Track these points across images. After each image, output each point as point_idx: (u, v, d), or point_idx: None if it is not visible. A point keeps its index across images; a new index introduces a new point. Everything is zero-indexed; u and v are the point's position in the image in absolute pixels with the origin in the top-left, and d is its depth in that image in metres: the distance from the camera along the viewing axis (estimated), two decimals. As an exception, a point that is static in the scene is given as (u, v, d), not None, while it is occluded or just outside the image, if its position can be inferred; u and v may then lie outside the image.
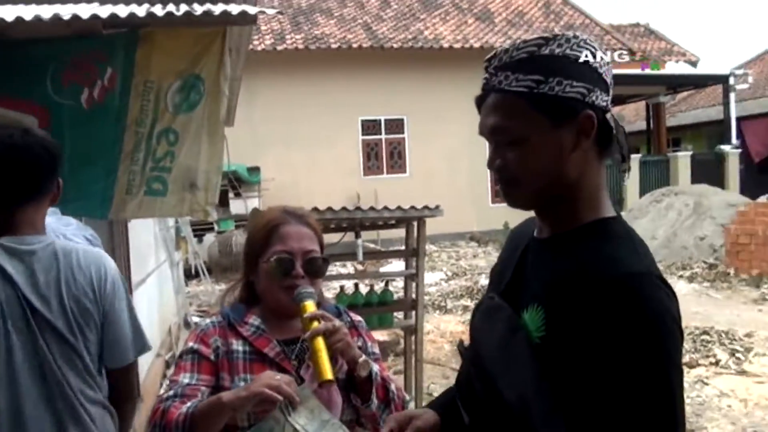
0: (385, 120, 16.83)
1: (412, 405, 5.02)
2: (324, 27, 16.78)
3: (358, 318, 1.93)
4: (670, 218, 14.17)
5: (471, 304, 9.34)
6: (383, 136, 16.90)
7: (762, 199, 12.79)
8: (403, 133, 16.98)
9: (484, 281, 10.75)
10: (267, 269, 1.77)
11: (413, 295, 5.21)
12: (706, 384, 6.01)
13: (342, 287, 5.20)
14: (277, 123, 15.77)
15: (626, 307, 1.13)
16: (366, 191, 16.06)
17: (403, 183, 16.17)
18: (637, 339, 1.12)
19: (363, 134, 16.77)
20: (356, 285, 5.10)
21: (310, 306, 1.71)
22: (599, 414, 1.14)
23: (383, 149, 16.93)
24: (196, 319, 8.30)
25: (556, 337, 1.20)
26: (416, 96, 16.49)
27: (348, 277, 6.79)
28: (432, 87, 16.55)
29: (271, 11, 3.90)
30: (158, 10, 3.17)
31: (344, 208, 4.73)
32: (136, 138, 3.33)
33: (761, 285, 9.77)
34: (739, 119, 18.89)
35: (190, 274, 11.13)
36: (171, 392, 1.65)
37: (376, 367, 1.73)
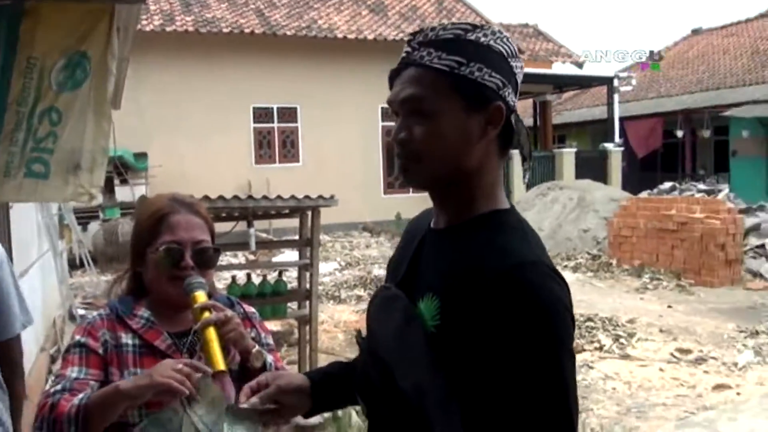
0: (278, 108, 16.53)
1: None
2: (216, 10, 16.27)
3: (251, 309, 1.90)
4: (556, 211, 14.76)
5: (365, 294, 9.35)
6: (276, 125, 16.61)
7: (643, 194, 13.54)
8: (296, 121, 16.75)
9: (378, 271, 10.80)
10: (155, 260, 1.70)
11: (307, 285, 5.14)
12: (592, 368, 6.26)
13: (234, 277, 5.05)
14: (165, 108, 15.17)
15: (518, 297, 1.13)
16: (258, 180, 15.76)
17: (296, 172, 15.98)
18: (530, 327, 1.13)
19: (255, 122, 16.41)
20: (248, 275, 4.96)
21: (201, 296, 1.66)
22: (494, 402, 1.14)
23: (275, 138, 16.64)
24: (81, 311, 7.91)
25: (450, 326, 1.19)
26: (310, 85, 16.32)
27: (240, 267, 6.62)
28: (326, 76, 16.42)
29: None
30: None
31: (236, 197, 4.59)
32: (17, 118, 3.18)
33: (642, 275, 10.33)
34: (622, 119, 19.89)
35: (75, 264, 10.56)
36: (58, 386, 1.57)
37: (270, 358, 1.71)
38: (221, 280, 6.42)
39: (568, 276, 10.57)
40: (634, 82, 19.68)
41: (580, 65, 20.54)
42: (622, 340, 7.02)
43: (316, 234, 5.02)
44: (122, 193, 13.63)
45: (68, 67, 3.22)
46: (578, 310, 8.06)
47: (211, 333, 1.59)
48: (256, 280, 4.97)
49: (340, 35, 16.42)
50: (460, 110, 1.26)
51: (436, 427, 1.17)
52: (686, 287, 9.67)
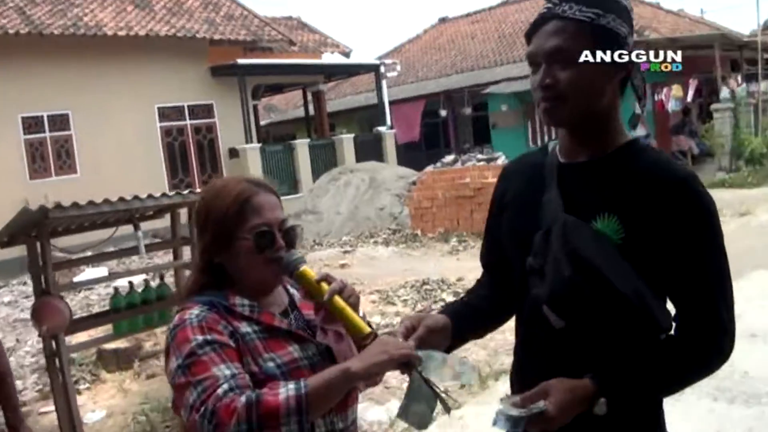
0: (49, 116, 15.12)
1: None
2: (-35, 11, 14.47)
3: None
4: (350, 194, 15.37)
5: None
6: (48, 134, 15.19)
7: (429, 168, 14.61)
8: (69, 129, 15.46)
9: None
10: (248, 246, 1.62)
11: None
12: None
13: (117, 288, 4.78)
14: None
15: (695, 201, 1.48)
16: (35, 196, 14.23)
17: (75, 183, 14.72)
18: (707, 222, 1.49)
19: (25, 133, 14.89)
20: (131, 283, 4.73)
21: (309, 270, 1.63)
22: (684, 282, 1.47)
23: (49, 148, 15.24)
24: None
25: (637, 236, 1.46)
26: (81, 88, 15.12)
27: (114, 276, 6.10)
28: (97, 78, 15.31)
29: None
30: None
31: (122, 199, 4.36)
32: None
33: (449, 239, 11.23)
34: (391, 103, 21.10)
35: None
36: (225, 386, 1.41)
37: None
38: (94, 294, 5.96)
39: (383, 251, 11.22)
40: (398, 68, 20.94)
41: (347, 55, 21.39)
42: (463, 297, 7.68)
43: (194, 231, 4.92)
44: None
45: None
46: (411, 277, 8.67)
47: (341, 301, 1.58)
48: (138, 286, 4.77)
49: (109, 32, 15.44)
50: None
51: (657, 317, 1.45)
52: (489, 245, 10.71)
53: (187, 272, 5.16)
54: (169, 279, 5.10)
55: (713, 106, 16.86)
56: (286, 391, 1.41)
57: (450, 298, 7.61)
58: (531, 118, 20.05)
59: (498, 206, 1.75)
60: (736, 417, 4.09)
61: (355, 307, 1.61)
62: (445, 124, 22.77)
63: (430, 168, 14.50)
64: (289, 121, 25.68)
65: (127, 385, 5.71)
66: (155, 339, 6.72)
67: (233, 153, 17.33)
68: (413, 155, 20.93)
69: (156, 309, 4.74)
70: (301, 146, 18.37)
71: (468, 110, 21.30)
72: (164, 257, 9.61)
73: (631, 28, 1.53)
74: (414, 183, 13.88)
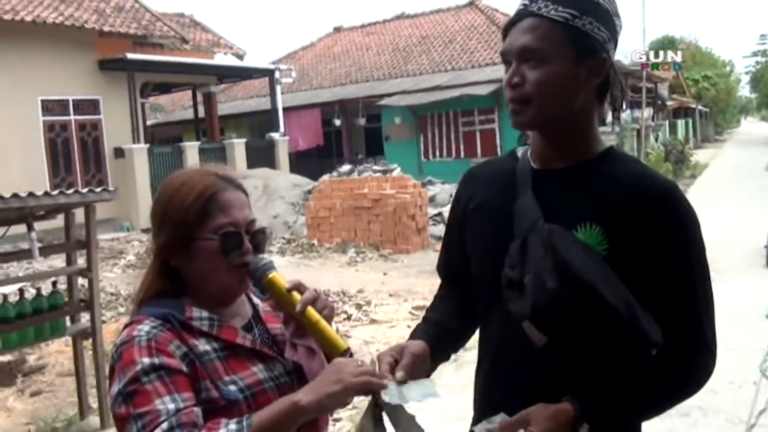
0: None
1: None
2: None
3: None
4: (243, 201, 15.03)
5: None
6: None
7: (324, 177, 14.48)
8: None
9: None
10: (210, 248, 1.44)
11: (82, 296, 4.65)
12: (349, 337, 6.71)
13: (5, 296, 4.32)
14: None
15: (678, 212, 1.44)
16: None
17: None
18: (690, 233, 1.45)
19: None
20: (21, 290, 4.31)
21: (279, 277, 1.46)
22: (667, 293, 1.42)
23: None
24: None
25: (621, 246, 1.41)
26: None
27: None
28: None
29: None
30: None
31: (15, 195, 3.97)
32: None
33: (347, 250, 11.13)
34: (285, 110, 20.80)
35: None
36: (164, 425, 1.25)
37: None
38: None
39: (278, 260, 10.95)
40: (294, 74, 20.71)
41: (240, 57, 20.93)
42: (364, 308, 7.62)
43: (93, 233, 4.57)
44: None
45: None
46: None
47: (315, 313, 1.43)
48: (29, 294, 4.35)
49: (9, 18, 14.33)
50: (569, 58, 1.41)
51: (648, 332, 1.36)
52: (387, 256, 10.74)
53: (82, 280, 4.81)
54: (62, 286, 4.69)
55: (600, 130, 17.72)
56: (226, 431, 1.26)
57: (352, 311, 7.52)
58: (423, 132, 20.37)
59: (462, 214, 1.66)
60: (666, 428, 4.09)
61: (329, 319, 1.47)
62: (339, 134, 22.72)
63: (326, 177, 14.37)
64: (177, 122, 24.80)
65: (10, 403, 5.21)
66: (39, 352, 6.22)
67: (119, 153, 16.46)
68: (306, 163, 20.73)
69: (48, 320, 4.35)
70: (191, 149, 17.73)
71: (362, 121, 21.36)
72: (46, 263, 8.95)
73: (612, 33, 1.46)
74: (310, 192, 13.72)
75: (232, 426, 1.27)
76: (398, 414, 1.37)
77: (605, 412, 1.40)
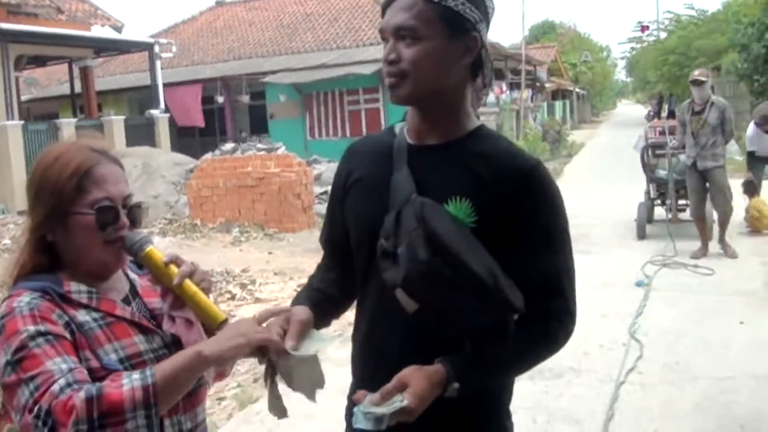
0: None
1: None
2: None
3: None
4: (122, 179, 14.50)
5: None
6: None
7: (207, 155, 14.19)
8: None
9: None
10: (86, 223, 1.47)
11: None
12: (234, 316, 6.65)
13: None
14: None
15: (543, 188, 1.59)
16: None
17: None
18: (556, 206, 1.60)
19: None
20: None
21: (155, 252, 1.51)
22: (532, 262, 1.56)
23: None
24: None
25: (488, 219, 1.53)
26: None
27: None
28: None
29: None
30: None
31: None
32: None
33: (231, 230, 10.99)
34: (165, 86, 20.07)
35: None
36: (61, 381, 1.27)
37: None
38: None
39: (160, 241, 10.65)
40: (174, 49, 20.02)
41: (118, 29, 19.98)
42: (249, 287, 7.61)
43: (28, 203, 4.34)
44: None
45: None
46: (194, 269, 8.38)
47: (192, 286, 1.49)
48: None
49: None
50: (442, 36, 1.51)
51: (511, 299, 1.48)
52: (272, 235, 10.71)
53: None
54: None
55: (479, 110, 18.33)
56: (130, 381, 1.29)
57: (236, 290, 7.49)
58: (309, 110, 20.29)
59: (342, 189, 1.73)
60: (526, 392, 4.25)
61: (207, 291, 1.53)
62: (221, 111, 22.20)
63: (209, 155, 14.07)
64: (53, 98, 23.40)
65: None
66: None
67: (-9, 130, 15.37)
68: (187, 142, 20.19)
69: None
70: (67, 126, 16.71)
71: (246, 98, 20.95)
72: None
73: (484, 15, 1.56)
74: (192, 170, 13.40)
75: (136, 376, 1.30)
76: (292, 369, 1.48)
77: (473, 371, 1.51)
